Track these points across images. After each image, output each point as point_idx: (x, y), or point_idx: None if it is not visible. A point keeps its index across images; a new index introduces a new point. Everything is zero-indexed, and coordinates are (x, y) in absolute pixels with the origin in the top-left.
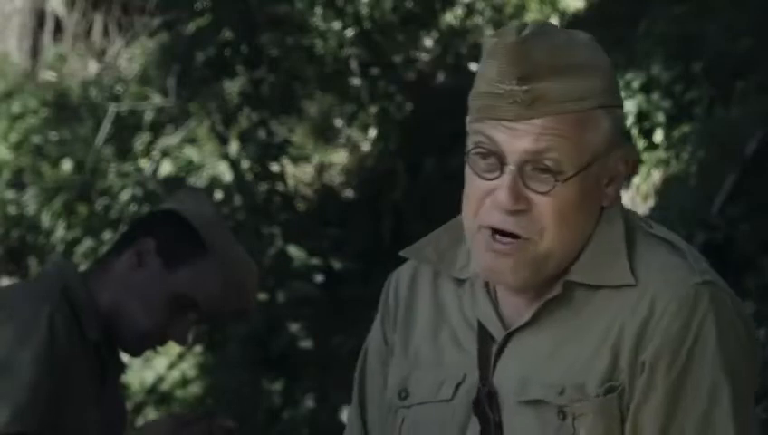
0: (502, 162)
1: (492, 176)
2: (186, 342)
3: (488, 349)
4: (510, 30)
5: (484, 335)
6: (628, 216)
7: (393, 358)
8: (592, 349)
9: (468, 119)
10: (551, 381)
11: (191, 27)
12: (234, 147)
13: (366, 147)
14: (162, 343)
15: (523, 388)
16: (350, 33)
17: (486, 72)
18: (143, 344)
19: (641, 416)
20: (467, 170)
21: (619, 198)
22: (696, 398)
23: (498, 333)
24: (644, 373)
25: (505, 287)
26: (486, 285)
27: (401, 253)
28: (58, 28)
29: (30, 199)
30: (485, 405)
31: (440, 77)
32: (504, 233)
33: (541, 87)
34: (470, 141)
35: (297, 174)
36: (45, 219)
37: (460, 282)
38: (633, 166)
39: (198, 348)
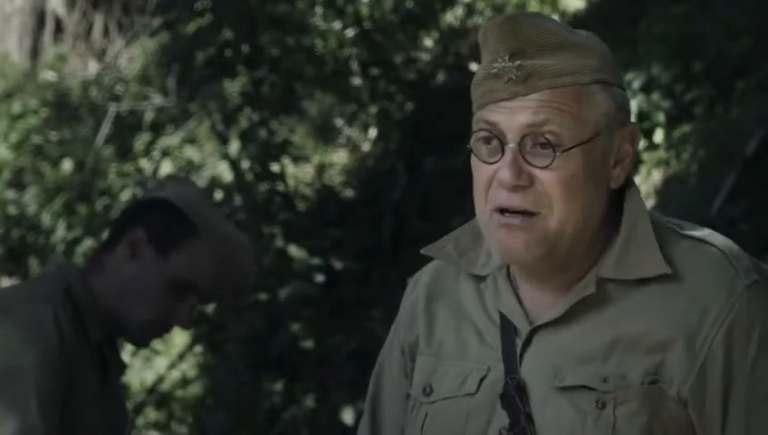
0: (502, 142)
1: (495, 159)
2: (186, 324)
3: (513, 342)
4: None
5: (507, 328)
6: (652, 214)
7: (418, 356)
8: (629, 343)
9: (473, 111)
10: (587, 371)
11: (191, 27)
12: (234, 147)
13: (366, 147)
14: (167, 329)
15: (558, 376)
16: (350, 33)
17: (482, 59)
18: (149, 333)
19: (724, 424)
20: (473, 160)
21: (632, 184)
22: None
23: (523, 325)
24: (710, 382)
25: (526, 273)
26: (509, 277)
27: (422, 251)
28: (58, 28)
29: (30, 199)
30: (516, 398)
31: (440, 77)
32: (513, 211)
33: (533, 63)
34: (472, 131)
35: (297, 174)
36: (45, 219)
37: (481, 279)
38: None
39: (198, 348)
